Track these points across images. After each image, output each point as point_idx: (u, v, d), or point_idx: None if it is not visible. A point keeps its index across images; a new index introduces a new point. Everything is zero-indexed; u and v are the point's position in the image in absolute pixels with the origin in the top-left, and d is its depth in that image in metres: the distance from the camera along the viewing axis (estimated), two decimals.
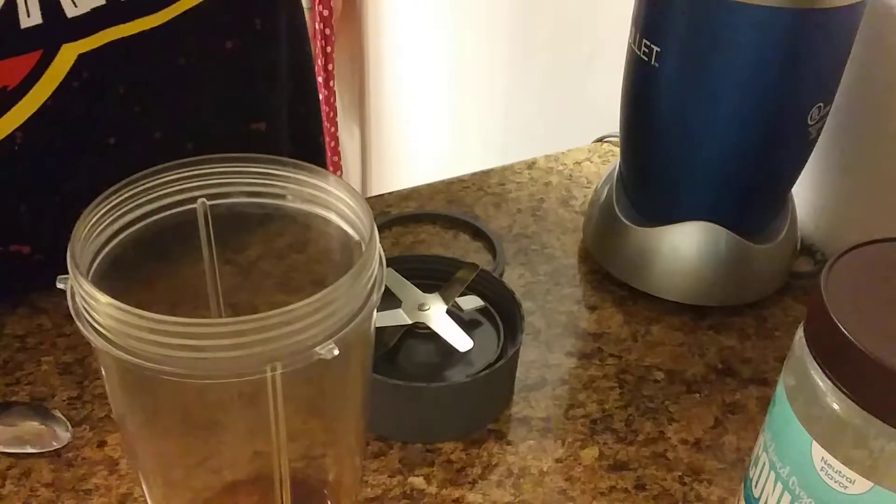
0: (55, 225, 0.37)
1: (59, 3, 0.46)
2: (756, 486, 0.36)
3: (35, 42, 0.47)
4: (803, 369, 0.32)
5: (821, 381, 0.31)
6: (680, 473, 0.46)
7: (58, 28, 0.47)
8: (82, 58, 0.48)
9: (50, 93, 0.48)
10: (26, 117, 0.48)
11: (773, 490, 0.34)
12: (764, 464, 0.35)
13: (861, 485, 0.31)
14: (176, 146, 0.54)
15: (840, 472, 0.31)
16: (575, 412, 0.49)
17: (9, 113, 0.48)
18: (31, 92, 0.48)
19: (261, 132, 0.60)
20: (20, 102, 0.48)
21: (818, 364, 0.31)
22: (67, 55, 0.48)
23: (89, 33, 0.48)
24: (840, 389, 0.31)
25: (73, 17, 0.47)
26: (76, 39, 0.48)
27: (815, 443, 0.32)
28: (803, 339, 0.33)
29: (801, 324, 0.33)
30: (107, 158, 0.52)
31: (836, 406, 0.31)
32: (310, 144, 0.68)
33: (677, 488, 0.45)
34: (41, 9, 0.46)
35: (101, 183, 0.36)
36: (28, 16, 0.45)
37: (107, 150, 0.52)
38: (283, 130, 0.63)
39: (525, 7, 0.98)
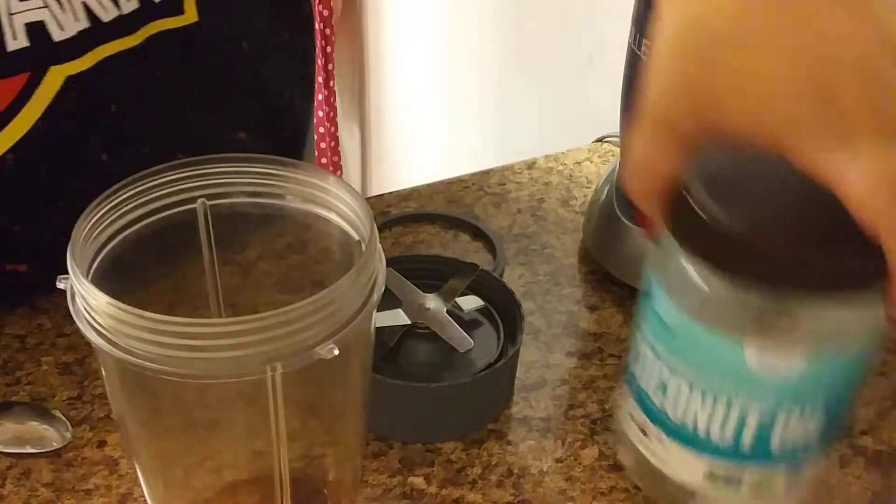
0: (52, 243, 0.36)
1: (45, 26, 0.45)
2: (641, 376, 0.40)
3: (22, 65, 0.46)
4: (670, 259, 0.36)
5: (686, 264, 0.35)
6: None
7: (45, 51, 0.46)
8: (70, 79, 0.48)
9: (39, 115, 0.48)
10: (16, 140, 0.48)
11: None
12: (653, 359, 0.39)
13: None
14: (165, 158, 0.54)
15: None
16: (575, 412, 0.49)
17: None
18: (19, 114, 0.47)
19: (241, 141, 0.59)
20: (9, 125, 0.47)
21: (681, 247, 0.35)
22: (55, 77, 0.47)
23: (77, 55, 0.47)
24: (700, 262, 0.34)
25: (59, 41, 0.46)
26: (64, 62, 0.47)
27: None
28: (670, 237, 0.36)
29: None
30: (99, 175, 0.52)
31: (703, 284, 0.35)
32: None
33: None
34: (27, 32, 0.45)
35: (95, 198, 0.36)
36: (14, 38, 0.45)
37: (99, 167, 0.51)
38: (264, 142, 0.61)
39: (525, 7, 0.98)
